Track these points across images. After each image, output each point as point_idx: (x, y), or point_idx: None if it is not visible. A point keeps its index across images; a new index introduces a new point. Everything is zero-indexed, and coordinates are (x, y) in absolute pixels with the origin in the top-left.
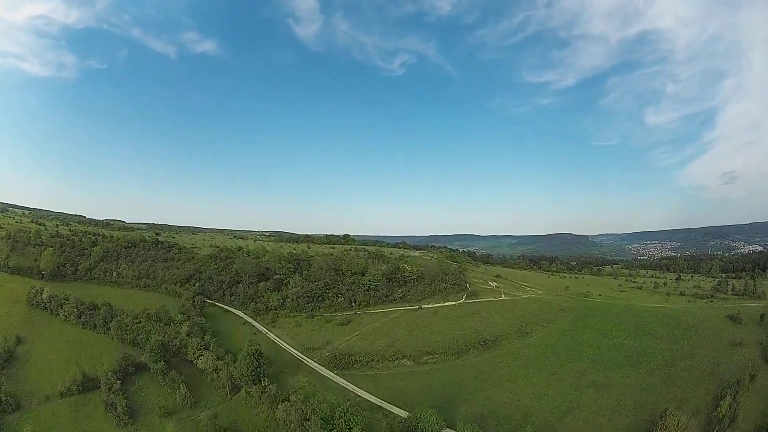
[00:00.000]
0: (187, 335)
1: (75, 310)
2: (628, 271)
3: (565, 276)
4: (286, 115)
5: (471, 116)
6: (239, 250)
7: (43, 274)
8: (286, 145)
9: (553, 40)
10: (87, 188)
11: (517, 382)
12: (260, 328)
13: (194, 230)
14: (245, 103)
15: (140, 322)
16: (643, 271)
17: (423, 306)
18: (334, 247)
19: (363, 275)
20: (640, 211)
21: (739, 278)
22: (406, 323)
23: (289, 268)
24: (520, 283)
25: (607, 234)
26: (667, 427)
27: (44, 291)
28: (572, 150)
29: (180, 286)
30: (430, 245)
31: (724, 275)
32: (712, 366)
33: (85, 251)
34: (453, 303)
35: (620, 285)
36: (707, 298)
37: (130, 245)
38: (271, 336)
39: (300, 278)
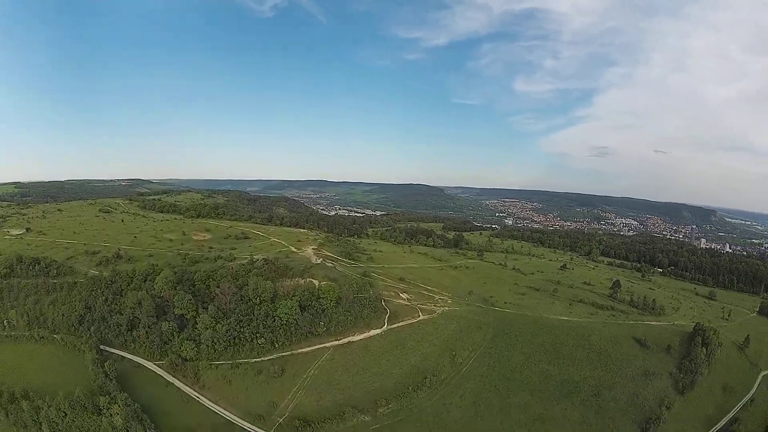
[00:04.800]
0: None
1: None
2: (501, 241)
3: (455, 266)
4: (154, 59)
5: (334, 64)
6: (118, 258)
7: None
8: (147, 91)
9: (432, 1)
10: None
11: (476, 424)
12: (189, 392)
13: (55, 189)
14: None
15: (66, 414)
16: (518, 244)
17: (351, 339)
18: (208, 229)
19: (272, 302)
20: (499, 168)
21: (623, 267)
22: (343, 366)
23: (190, 301)
24: (425, 286)
25: (462, 187)
26: None
27: None
28: (434, 105)
29: (74, 333)
30: (284, 190)
31: (605, 260)
32: (632, 396)
33: None
34: (378, 331)
35: (516, 283)
36: (608, 309)
37: (7, 271)
38: (206, 402)
39: (208, 317)
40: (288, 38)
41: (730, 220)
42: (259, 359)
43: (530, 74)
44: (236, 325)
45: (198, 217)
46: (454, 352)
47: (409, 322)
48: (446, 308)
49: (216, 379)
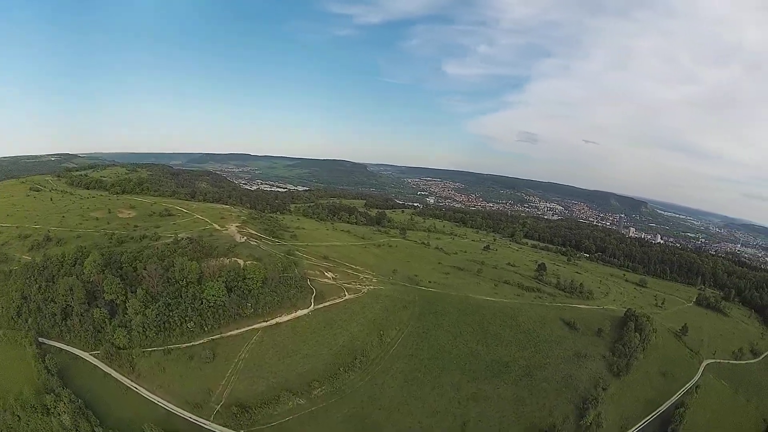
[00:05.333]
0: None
1: None
2: (424, 219)
3: (378, 244)
4: (77, 30)
5: (264, 36)
6: (48, 241)
7: None
8: (73, 63)
9: None
10: None
11: (410, 404)
12: (126, 382)
13: None
14: None
15: (20, 418)
16: (440, 223)
17: (279, 321)
18: (133, 206)
19: (199, 283)
20: (423, 148)
21: (548, 250)
22: (273, 348)
23: (119, 285)
24: (349, 265)
25: (385, 165)
26: None
27: None
28: (361, 82)
29: (14, 326)
30: (207, 163)
31: (529, 242)
32: (565, 377)
33: None
34: (305, 311)
35: (440, 263)
36: (534, 291)
37: None
38: (144, 393)
39: (137, 301)
40: (216, 8)
41: (662, 212)
42: (190, 344)
43: (462, 58)
44: (165, 309)
45: (123, 192)
46: (381, 332)
47: (335, 301)
48: (371, 287)
49: (150, 367)
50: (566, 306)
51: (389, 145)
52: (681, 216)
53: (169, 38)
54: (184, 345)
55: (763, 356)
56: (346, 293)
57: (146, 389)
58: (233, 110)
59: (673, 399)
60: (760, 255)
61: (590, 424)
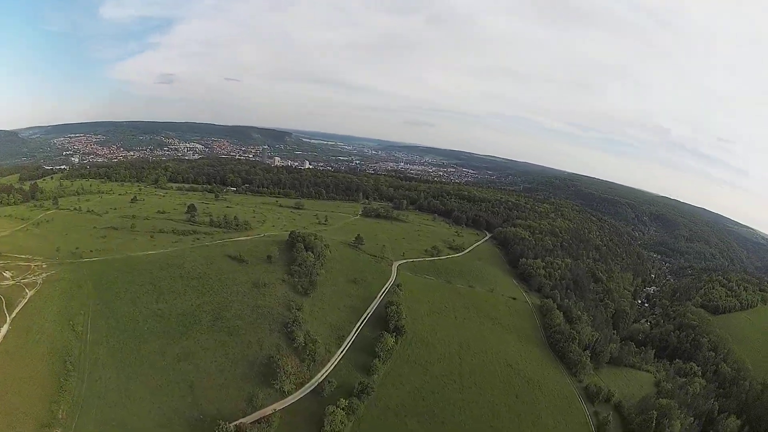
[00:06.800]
0: None
1: None
2: (71, 182)
3: (37, 222)
4: None
5: None
6: None
7: None
8: None
9: None
10: None
11: (133, 388)
12: None
13: None
14: None
15: None
16: (87, 183)
17: None
18: None
19: None
20: (70, 102)
21: (194, 191)
22: (1, 384)
23: None
24: (19, 256)
25: (33, 127)
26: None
27: None
28: (18, 32)
29: None
30: None
31: (174, 186)
32: (254, 309)
33: None
34: (6, 327)
35: (95, 227)
36: (191, 234)
37: None
38: None
39: None
40: None
41: (308, 140)
42: None
43: None
44: None
45: None
46: (71, 322)
47: (22, 303)
48: (45, 275)
49: None
50: (227, 241)
51: (39, 103)
52: (330, 142)
53: None
54: None
55: (467, 250)
56: (27, 290)
57: None
58: None
59: (378, 300)
60: (430, 170)
61: (305, 343)
